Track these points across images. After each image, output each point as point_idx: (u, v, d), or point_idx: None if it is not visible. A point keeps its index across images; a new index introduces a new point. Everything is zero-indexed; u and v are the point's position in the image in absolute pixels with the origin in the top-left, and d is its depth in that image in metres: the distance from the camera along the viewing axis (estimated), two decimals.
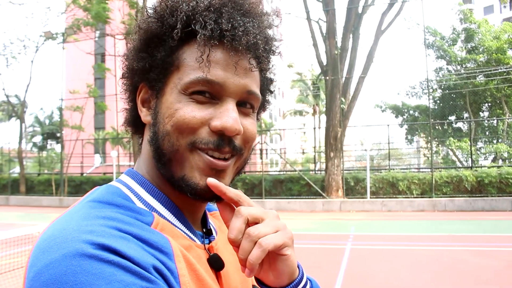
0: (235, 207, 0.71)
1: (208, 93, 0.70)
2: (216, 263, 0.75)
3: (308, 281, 0.77)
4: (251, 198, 0.73)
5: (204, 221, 0.84)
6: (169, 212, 0.74)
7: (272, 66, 0.82)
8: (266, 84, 0.82)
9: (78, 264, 0.52)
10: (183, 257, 0.66)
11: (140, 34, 0.75)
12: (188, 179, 0.70)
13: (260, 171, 22.29)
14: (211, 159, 0.70)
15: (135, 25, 0.77)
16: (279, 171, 29.34)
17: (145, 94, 0.77)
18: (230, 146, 0.71)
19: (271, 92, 0.86)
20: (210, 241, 0.80)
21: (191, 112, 0.69)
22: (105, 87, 36.22)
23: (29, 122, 36.63)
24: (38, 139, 37.56)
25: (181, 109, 0.69)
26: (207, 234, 0.82)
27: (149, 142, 0.74)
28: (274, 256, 0.69)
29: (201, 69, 0.68)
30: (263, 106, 0.85)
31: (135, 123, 0.82)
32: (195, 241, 0.76)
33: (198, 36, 0.68)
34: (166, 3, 0.73)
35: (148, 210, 0.71)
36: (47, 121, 38.39)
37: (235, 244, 0.67)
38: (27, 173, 27.26)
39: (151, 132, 0.74)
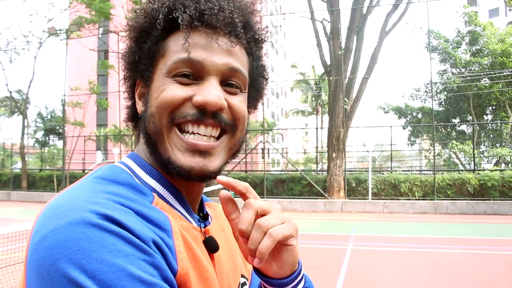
0: (236, 201, 0.73)
1: (191, 75, 0.72)
2: (211, 245, 0.77)
3: (303, 276, 0.79)
4: None
5: (201, 207, 0.87)
6: (168, 193, 0.76)
7: (264, 54, 0.84)
8: (257, 70, 0.83)
9: (82, 231, 0.55)
10: (181, 236, 0.69)
11: (130, 32, 0.78)
12: (172, 162, 0.72)
13: (261, 171, 22.25)
14: (191, 140, 0.72)
15: (125, 24, 0.80)
16: (281, 171, 29.31)
17: (141, 88, 0.80)
18: (215, 119, 0.73)
19: (265, 78, 0.87)
20: (206, 225, 0.82)
21: (173, 90, 0.71)
22: (107, 84, 36.29)
23: (32, 118, 36.64)
24: (40, 135, 37.55)
25: (165, 90, 0.72)
26: (204, 218, 0.84)
27: (140, 128, 0.78)
28: (279, 246, 0.71)
29: (183, 50, 0.71)
30: (258, 92, 0.86)
31: (135, 119, 0.84)
32: (191, 223, 0.78)
33: (179, 20, 0.71)
34: None
35: (148, 190, 0.72)
36: (49, 117, 38.35)
37: (245, 235, 0.68)
38: (29, 169, 27.27)
39: (142, 119, 0.77)
